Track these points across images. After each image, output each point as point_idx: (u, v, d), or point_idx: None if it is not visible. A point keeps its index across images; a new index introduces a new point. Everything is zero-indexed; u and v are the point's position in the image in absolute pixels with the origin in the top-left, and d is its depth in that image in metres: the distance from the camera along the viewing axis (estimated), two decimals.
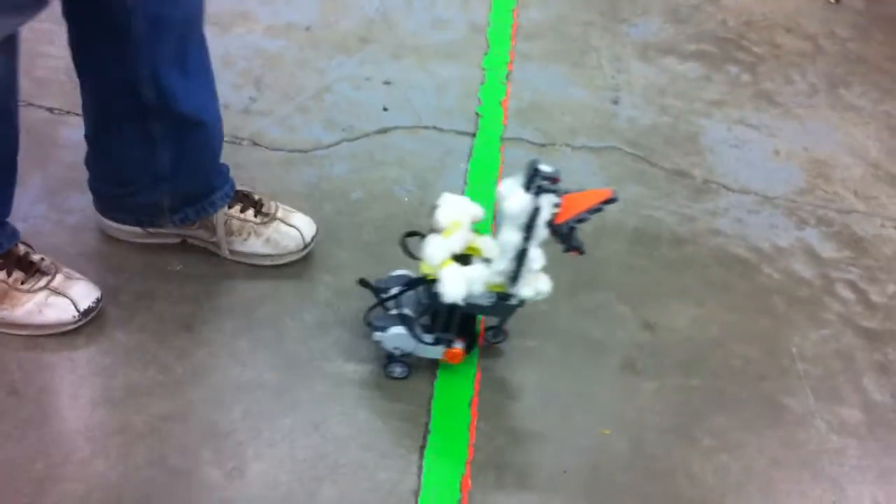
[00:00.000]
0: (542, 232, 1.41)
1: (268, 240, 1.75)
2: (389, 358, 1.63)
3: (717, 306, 1.93)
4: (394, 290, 1.61)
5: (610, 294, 1.91)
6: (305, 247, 1.79)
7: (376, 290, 1.62)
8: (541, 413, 1.65)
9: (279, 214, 1.77)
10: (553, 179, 1.37)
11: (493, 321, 1.68)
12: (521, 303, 1.54)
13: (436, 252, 1.47)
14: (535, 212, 1.38)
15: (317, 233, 1.80)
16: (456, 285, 1.45)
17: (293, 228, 1.76)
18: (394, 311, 1.58)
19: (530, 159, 1.40)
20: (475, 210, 1.53)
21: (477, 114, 2.30)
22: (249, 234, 1.74)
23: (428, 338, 1.59)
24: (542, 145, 2.27)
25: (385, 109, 2.27)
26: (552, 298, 1.74)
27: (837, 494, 1.62)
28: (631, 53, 2.69)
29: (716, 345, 1.85)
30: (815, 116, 2.61)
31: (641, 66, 2.64)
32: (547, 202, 1.37)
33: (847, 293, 2.04)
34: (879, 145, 2.54)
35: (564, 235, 1.41)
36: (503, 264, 1.46)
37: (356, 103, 2.29)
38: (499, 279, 1.49)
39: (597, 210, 1.40)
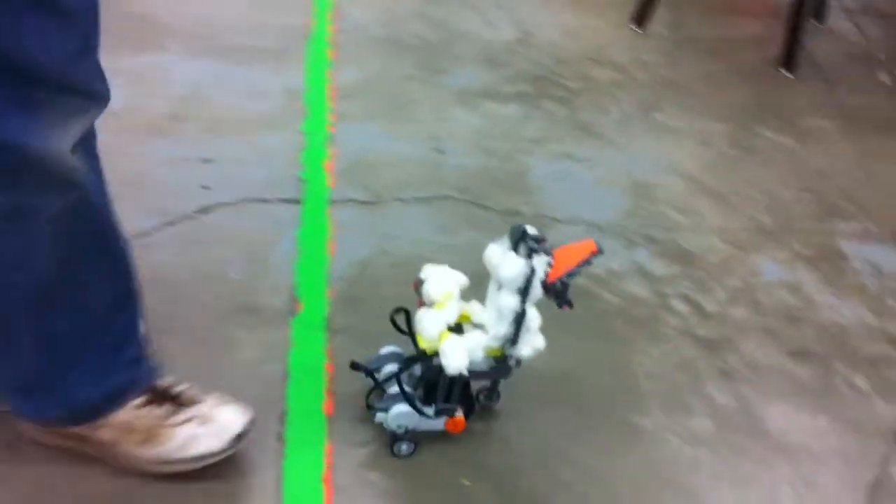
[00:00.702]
0: (537, 292, 1.45)
1: (182, 444, 1.51)
2: (394, 437, 1.61)
3: (565, 338, 1.96)
4: (389, 369, 1.62)
5: None
6: (227, 448, 1.53)
7: (369, 372, 1.63)
8: (401, 468, 1.63)
9: (202, 411, 1.53)
10: (541, 241, 1.43)
11: (486, 384, 1.70)
12: (519, 363, 1.57)
13: (433, 327, 1.49)
14: (532, 274, 1.42)
15: (249, 424, 1.55)
16: (458, 356, 1.48)
17: (216, 425, 1.52)
18: (393, 390, 1.59)
19: (515, 224, 1.47)
20: (461, 278, 1.57)
21: (301, 179, 2.29)
22: (158, 435, 1.50)
23: (430, 411, 1.59)
24: (372, 203, 2.27)
25: (205, 188, 2.23)
26: None
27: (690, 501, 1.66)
28: (451, 102, 2.75)
29: (567, 377, 1.88)
30: (633, 142, 2.72)
31: (463, 113, 2.70)
32: (540, 263, 1.42)
33: (682, 306, 2.11)
34: (696, 161, 2.67)
35: (559, 292, 1.46)
36: (503, 329, 1.49)
37: (175, 185, 2.24)
38: (496, 343, 1.52)
39: (586, 263, 1.46)
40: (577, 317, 1.95)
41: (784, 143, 2.84)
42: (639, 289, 2.14)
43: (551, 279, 1.45)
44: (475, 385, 1.71)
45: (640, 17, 3.41)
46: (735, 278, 2.23)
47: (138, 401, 1.48)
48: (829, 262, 2.35)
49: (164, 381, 1.52)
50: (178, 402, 1.51)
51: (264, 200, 2.22)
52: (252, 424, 1.54)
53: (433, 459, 1.66)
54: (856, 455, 1.81)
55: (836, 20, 3.77)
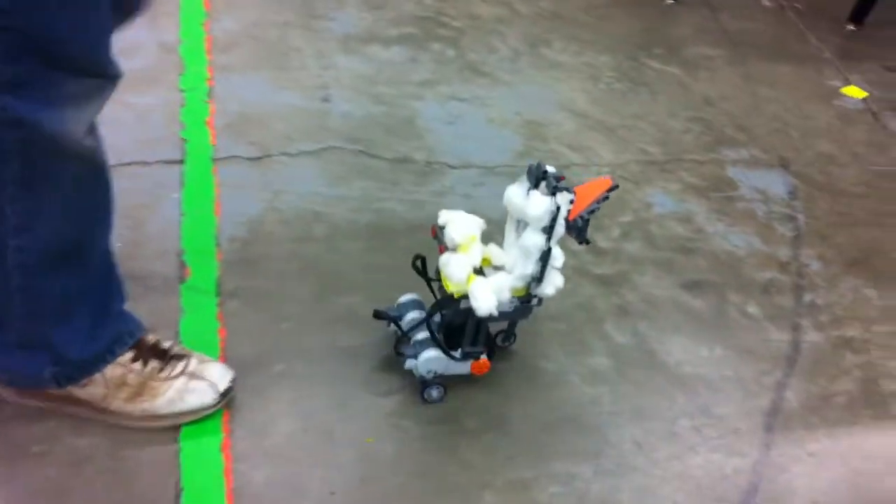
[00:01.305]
0: (560, 230, 1.49)
1: (170, 399, 1.54)
2: (423, 383, 1.65)
3: None
4: (412, 316, 1.68)
5: (356, 297, 1.89)
6: (216, 403, 1.58)
7: (394, 319, 1.67)
8: (301, 437, 1.61)
9: (190, 368, 1.56)
10: (560, 178, 1.46)
11: (503, 326, 1.73)
12: (540, 302, 1.61)
13: (460, 270, 1.52)
14: (557, 211, 1.45)
15: (233, 381, 1.59)
16: (488, 298, 1.51)
17: (204, 381, 1.56)
18: (420, 336, 1.64)
19: (534, 163, 1.49)
20: (480, 222, 1.60)
21: (182, 139, 2.20)
22: (146, 390, 1.53)
23: (458, 354, 1.63)
24: (258, 158, 2.21)
25: None
26: (295, 314, 1.71)
27: (601, 443, 1.68)
28: (334, 48, 2.67)
29: None
30: (522, 79, 2.70)
31: (347, 60, 2.63)
32: (564, 200, 1.45)
33: (576, 246, 2.11)
34: (585, 96, 2.67)
35: (580, 229, 1.51)
36: (530, 267, 1.53)
37: None
38: (521, 283, 1.56)
39: (604, 199, 1.51)
40: None
41: (671, 72, 2.86)
42: None
43: (572, 216, 1.49)
44: (493, 327, 1.72)
45: None
46: (628, 213, 2.25)
47: (127, 356, 1.50)
48: (719, 191, 2.40)
49: (151, 337, 1.55)
50: (165, 357, 1.54)
51: (144, 163, 2.13)
52: (235, 382, 1.59)
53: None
54: (752, 382, 1.86)
55: None
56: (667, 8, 3.23)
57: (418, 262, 1.67)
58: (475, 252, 1.56)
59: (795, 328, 1.99)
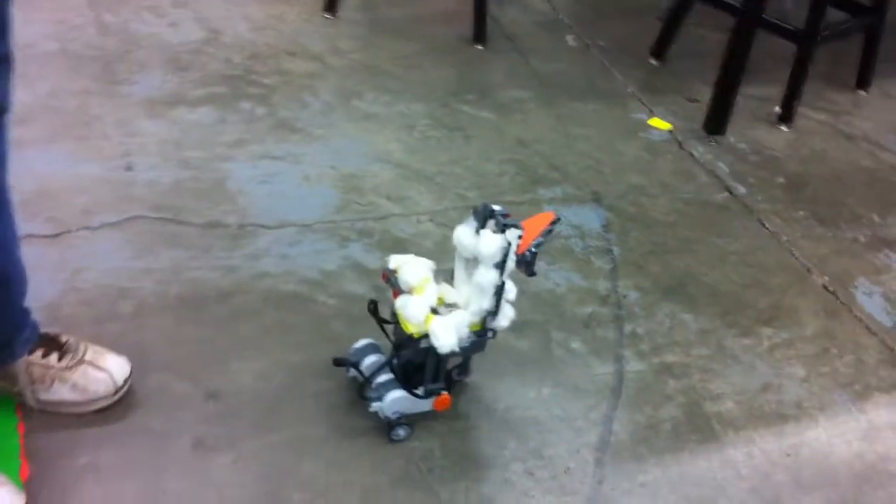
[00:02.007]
0: (511, 264, 1.58)
1: (74, 385, 1.65)
2: (390, 425, 1.71)
3: (280, 350, 1.90)
4: (371, 360, 1.75)
5: (166, 374, 1.80)
6: (118, 390, 1.69)
7: (353, 365, 1.74)
8: None
9: (88, 357, 1.68)
10: (506, 215, 1.56)
11: (457, 361, 1.78)
12: (495, 335, 1.69)
13: (418, 311, 1.60)
14: (508, 247, 1.54)
15: (131, 374, 1.72)
16: (449, 335, 1.60)
17: (103, 371, 1.67)
18: (381, 379, 1.70)
19: (480, 204, 1.59)
20: (430, 263, 1.68)
21: None
22: (53, 380, 1.64)
23: (420, 392, 1.70)
24: (55, 235, 2.10)
25: None
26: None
27: (433, 500, 1.65)
28: (137, 114, 2.59)
29: (286, 390, 1.81)
30: (336, 133, 2.68)
31: (151, 125, 2.55)
32: (513, 236, 1.55)
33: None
34: (401, 146, 2.68)
35: (529, 262, 1.60)
36: (486, 303, 1.61)
37: None
38: (477, 318, 1.64)
39: (548, 232, 1.61)
40: (291, 325, 1.90)
41: (484, 117, 2.91)
42: (356, 286, 2.11)
43: (521, 251, 1.57)
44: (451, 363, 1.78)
45: (331, 3, 3.38)
46: (450, 260, 2.25)
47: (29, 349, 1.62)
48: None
49: (51, 331, 1.67)
50: (65, 349, 1.66)
51: None
52: (131, 375, 1.71)
53: None
54: (580, 419, 1.88)
55: None
56: (476, 54, 3.29)
57: (372, 307, 1.76)
58: (430, 293, 1.64)
59: (618, 359, 2.03)
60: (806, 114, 3.24)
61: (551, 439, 1.81)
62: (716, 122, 2.99)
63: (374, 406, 1.70)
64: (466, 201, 2.47)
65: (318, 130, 2.67)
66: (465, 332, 1.64)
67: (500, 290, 1.61)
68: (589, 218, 2.52)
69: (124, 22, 3.05)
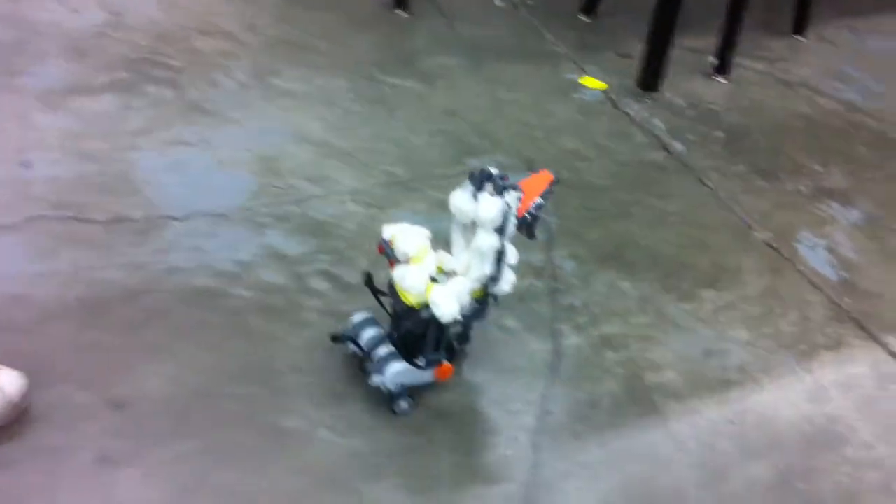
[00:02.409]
0: (512, 228, 1.55)
1: None
2: (392, 397, 1.66)
3: (192, 351, 1.80)
4: (370, 334, 1.70)
5: (67, 385, 1.69)
6: (13, 408, 1.57)
7: (352, 339, 1.71)
8: None
9: None
10: (504, 178, 1.52)
11: (458, 329, 1.71)
12: (496, 300, 1.65)
13: (418, 281, 1.57)
14: (508, 210, 1.51)
15: (27, 389, 1.59)
16: (451, 304, 1.56)
17: None
18: (382, 352, 1.66)
19: (478, 167, 1.55)
20: (425, 231, 1.64)
21: None
22: None
23: (422, 363, 1.66)
24: None
25: None
26: None
27: (360, 500, 1.56)
28: (34, 106, 2.45)
29: (199, 394, 1.71)
30: (251, 114, 2.56)
31: (50, 117, 2.41)
32: (513, 199, 1.52)
33: (323, 284, 2.01)
34: (321, 123, 2.57)
35: (529, 224, 1.57)
36: (487, 268, 1.57)
37: None
38: (478, 285, 1.59)
39: (548, 193, 1.58)
40: (204, 323, 1.80)
41: (409, 87, 2.80)
42: (274, 276, 2.01)
43: (520, 213, 1.54)
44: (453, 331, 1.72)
45: None
46: (375, 241, 2.15)
47: None
48: None
49: None
50: None
51: None
52: (28, 387, 1.58)
53: None
54: (516, 400, 1.80)
55: None
56: (399, 21, 3.19)
57: (367, 279, 1.71)
58: (429, 262, 1.61)
59: (555, 334, 1.95)
60: (743, 63, 3.18)
61: (487, 425, 1.74)
62: (650, 77, 2.92)
63: (376, 380, 1.66)
64: (392, 178, 2.37)
65: (231, 112, 2.55)
66: (466, 299, 1.60)
67: (501, 255, 1.57)
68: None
69: (19, 10, 2.89)
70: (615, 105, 2.85)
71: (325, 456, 1.64)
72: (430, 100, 2.75)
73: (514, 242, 1.93)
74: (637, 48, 2.96)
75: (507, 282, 1.64)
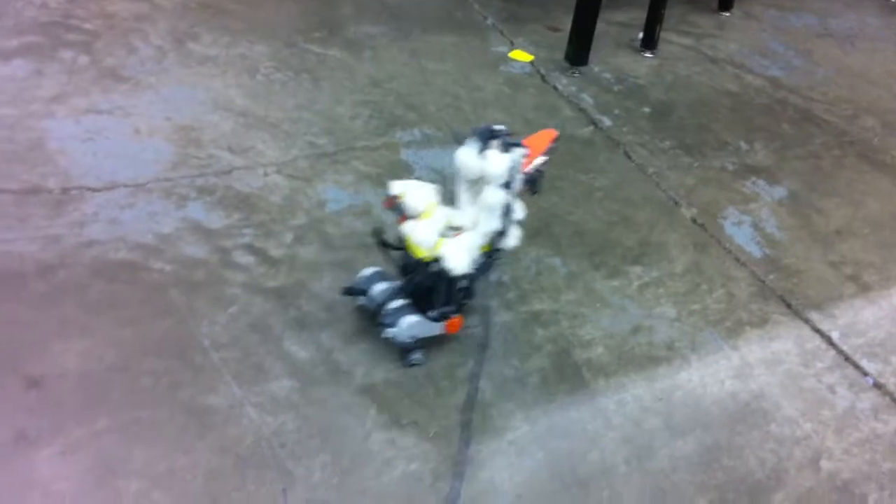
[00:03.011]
0: (518, 183, 1.62)
1: None
2: (404, 350, 1.75)
3: (109, 327, 1.77)
4: (380, 287, 1.76)
5: None
6: None
7: (362, 292, 1.77)
8: None
9: None
10: (509, 134, 1.58)
11: (464, 283, 1.76)
12: (500, 255, 1.73)
13: (428, 236, 1.65)
14: (515, 166, 1.59)
15: None
16: (461, 257, 1.65)
17: None
18: (394, 305, 1.72)
19: (481, 125, 1.61)
20: (433, 186, 1.69)
21: None
22: None
23: (433, 315, 1.74)
24: None
25: None
26: None
27: (286, 478, 1.56)
28: None
29: (117, 371, 1.68)
30: (170, 80, 2.51)
31: None
32: (519, 155, 1.59)
33: (247, 258, 1.99)
34: (242, 91, 2.53)
35: (534, 181, 1.67)
36: (495, 223, 1.65)
37: None
38: (486, 240, 1.67)
39: (551, 150, 1.68)
40: (121, 298, 1.77)
41: (334, 56, 2.78)
42: (195, 249, 1.98)
43: (525, 168, 1.61)
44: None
45: None
46: (300, 215, 2.14)
47: None
48: (395, 177, 2.32)
49: None
50: None
51: None
52: None
53: None
54: (444, 378, 1.82)
55: None
56: None
57: (377, 235, 1.77)
58: (438, 217, 1.68)
59: (484, 311, 1.96)
60: (670, 38, 3.22)
61: (415, 403, 1.74)
62: (578, 51, 2.94)
63: (389, 332, 1.72)
64: (317, 149, 2.35)
65: (149, 78, 2.50)
66: (475, 253, 1.68)
67: (508, 210, 1.65)
68: (450, 161, 2.43)
69: None
70: (543, 79, 2.87)
71: (250, 434, 1.63)
72: (355, 69, 2.73)
73: None
74: (566, 22, 2.98)
75: (513, 237, 1.72)
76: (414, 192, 1.68)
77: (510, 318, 1.98)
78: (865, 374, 1.98)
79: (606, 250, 2.21)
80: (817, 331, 2.07)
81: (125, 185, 2.12)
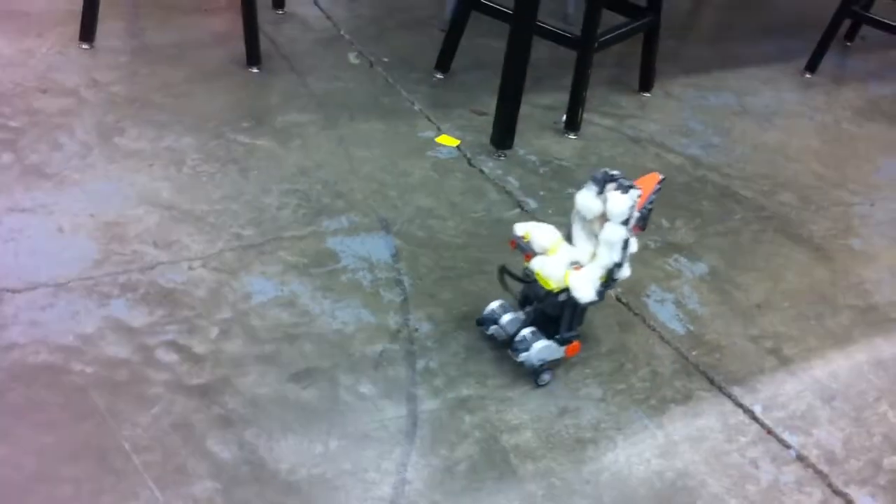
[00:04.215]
0: (632, 220, 1.90)
1: None
2: (536, 372, 2.02)
3: (29, 433, 1.74)
4: (509, 317, 2.09)
5: None
6: None
7: (493, 322, 2.09)
8: None
9: None
10: (625, 178, 1.88)
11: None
12: (614, 285, 2.01)
13: (557, 269, 1.94)
14: (633, 205, 1.86)
15: None
16: (588, 288, 1.93)
17: None
18: (524, 334, 2.02)
19: (600, 170, 1.91)
20: (553, 228, 2.02)
21: None
22: None
23: (559, 341, 2.03)
24: None
25: None
26: None
27: None
28: None
29: (37, 480, 1.65)
30: (95, 176, 2.51)
31: None
32: (635, 195, 1.86)
33: (170, 356, 1.98)
34: (169, 184, 2.53)
35: (645, 217, 1.96)
36: (615, 256, 1.93)
37: None
38: (604, 272, 1.95)
39: (657, 191, 1.97)
40: (42, 403, 1.75)
41: (262, 145, 2.80)
42: (117, 349, 1.97)
43: (639, 208, 1.89)
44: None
45: (87, 32, 3.18)
46: (226, 308, 2.14)
47: None
48: (322, 266, 2.35)
49: None
50: None
51: None
52: None
53: None
54: (371, 471, 1.81)
55: (299, 6, 3.83)
56: (251, 77, 3.19)
57: (501, 272, 2.06)
58: (563, 252, 1.97)
59: (411, 399, 1.97)
60: (593, 120, 3.30)
61: (340, 498, 1.73)
62: (503, 135, 3.00)
63: (523, 356, 1.99)
64: (243, 240, 2.36)
65: (74, 175, 2.50)
66: (597, 283, 1.93)
67: (626, 244, 1.92)
68: (377, 247, 2.46)
69: None
70: (470, 162, 2.92)
71: None
72: (282, 158, 2.75)
73: (370, 306, 1.96)
74: (491, 105, 3.04)
75: (627, 268, 1.99)
76: (539, 232, 1.98)
77: (437, 405, 1.99)
78: (788, 446, 2.02)
79: None
80: (740, 405, 2.11)
81: (47, 285, 2.11)
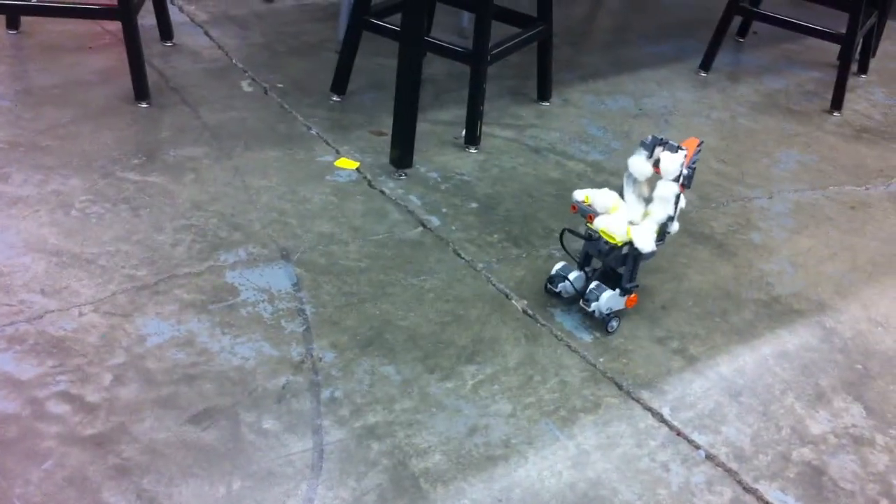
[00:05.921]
0: (682, 179, 2.17)
1: None
2: (604, 320, 2.28)
3: None
4: (577, 273, 2.36)
5: None
6: None
7: (562, 278, 2.34)
8: None
9: None
10: (670, 141, 2.17)
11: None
12: (668, 238, 2.29)
13: (619, 225, 2.20)
14: (683, 162, 2.14)
15: None
16: (649, 240, 2.20)
17: None
18: (592, 286, 2.28)
19: (650, 136, 2.21)
20: (610, 190, 2.26)
21: None
22: None
23: (622, 292, 2.28)
24: None
25: None
26: None
27: None
28: None
29: None
30: None
31: None
32: (683, 155, 2.15)
33: (62, 407, 1.92)
34: (56, 229, 2.47)
35: (690, 176, 2.22)
36: (669, 210, 2.20)
37: None
38: (658, 226, 2.21)
39: (698, 152, 2.22)
40: None
41: (153, 182, 2.75)
42: (6, 404, 1.91)
43: (686, 166, 2.16)
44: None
45: None
46: (119, 353, 2.09)
47: None
48: (220, 302, 2.31)
49: None
50: None
51: None
52: None
53: None
54: None
55: (188, 36, 3.79)
56: (140, 112, 3.13)
57: (563, 235, 2.38)
58: (622, 210, 2.24)
59: (316, 431, 1.94)
60: (493, 132, 3.32)
61: None
62: (402, 154, 2.99)
63: (594, 305, 2.25)
64: (136, 282, 2.31)
65: None
66: (654, 237, 2.19)
67: (677, 199, 2.19)
68: (277, 278, 2.43)
69: None
70: (370, 184, 2.90)
71: None
72: (176, 194, 2.70)
73: (272, 339, 1.93)
74: (390, 124, 3.03)
75: (677, 222, 2.25)
76: (600, 195, 2.25)
77: (344, 435, 1.96)
78: (697, 447, 2.03)
79: (440, 352, 2.22)
80: (648, 409, 2.12)
81: None
